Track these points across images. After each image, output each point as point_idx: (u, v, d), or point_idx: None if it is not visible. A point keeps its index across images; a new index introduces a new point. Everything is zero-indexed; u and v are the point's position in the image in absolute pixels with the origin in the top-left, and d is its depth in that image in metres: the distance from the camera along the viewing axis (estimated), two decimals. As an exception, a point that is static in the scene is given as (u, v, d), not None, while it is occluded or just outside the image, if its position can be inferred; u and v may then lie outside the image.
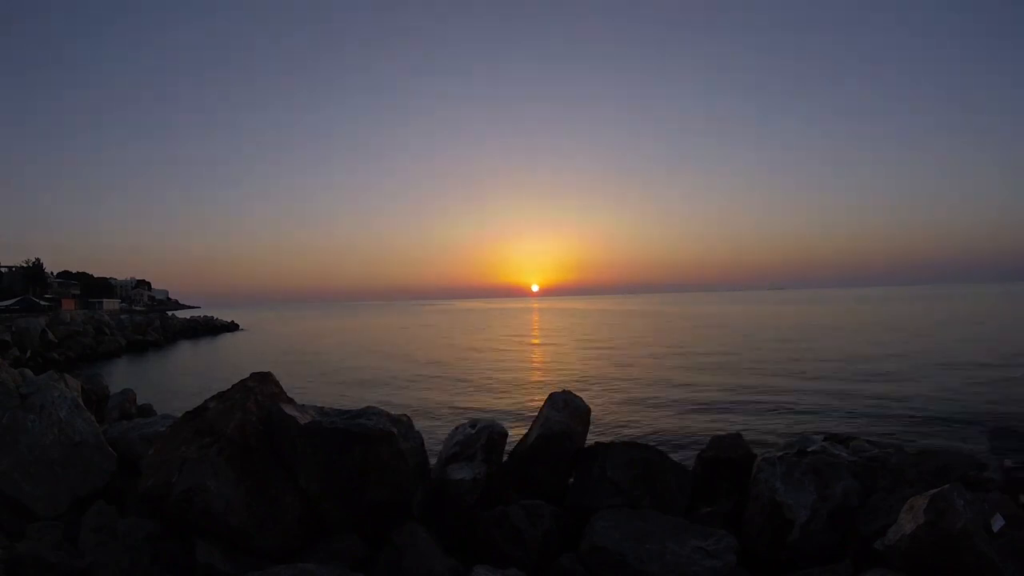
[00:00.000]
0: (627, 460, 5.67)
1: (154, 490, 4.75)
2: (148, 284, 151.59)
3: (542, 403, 6.39)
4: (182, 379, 28.22)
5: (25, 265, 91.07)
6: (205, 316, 77.94)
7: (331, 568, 4.09)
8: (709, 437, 6.53)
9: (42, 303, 64.87)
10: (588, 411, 6.30)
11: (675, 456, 6.10)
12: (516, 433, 6.49)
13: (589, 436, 6.25)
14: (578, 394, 6.42)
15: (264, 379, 5.51)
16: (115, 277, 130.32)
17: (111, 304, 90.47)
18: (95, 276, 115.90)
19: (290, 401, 5.51)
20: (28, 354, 32.98)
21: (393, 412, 5.88)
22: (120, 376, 29.07)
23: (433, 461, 6.08)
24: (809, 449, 5.35)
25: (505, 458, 6.16)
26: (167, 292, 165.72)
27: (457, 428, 6.30)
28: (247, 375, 5.49)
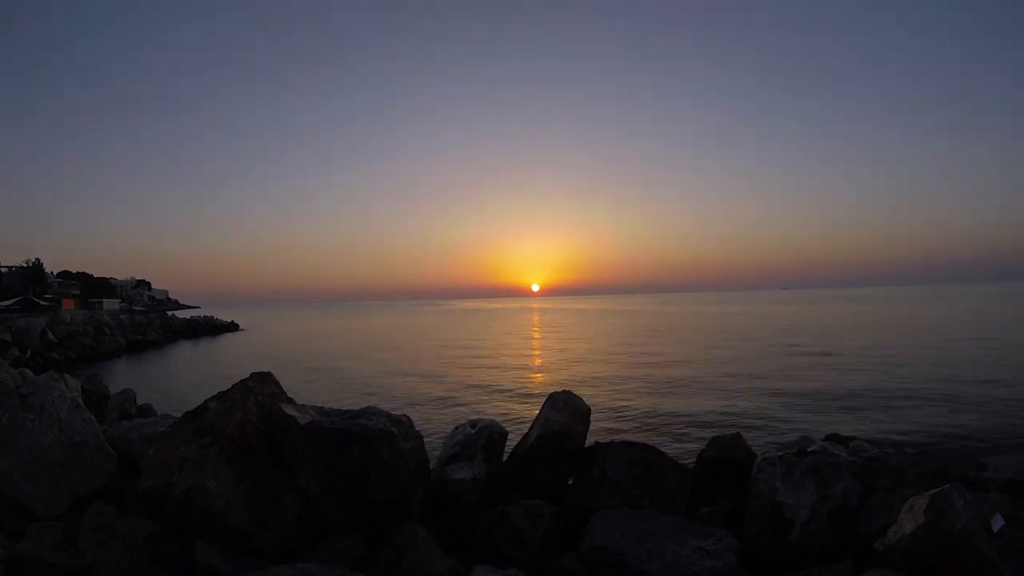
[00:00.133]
0: (627, 460, 5.67)
1: (154, 490, 4.75)
2: (148, 284, 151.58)
3: (542, 403, 6.39)
4: (182, 379, 28.22)
5: (25, 265, 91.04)
6: (205, 316, 77.94)
7: (331, 568, 4.09)
8: (709, 437, 6.53)
9: (42, 303, 64.87)
10: (588, 411, 6.30)
11: (675, 456, 6.09)
12: (516, 433, 6.48)
13: (589, 436, 6.25)
14: (578, 394, 6.42)
15: (264, 379, 5.51)
16: (115, 277, 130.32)
17: (111, 304, 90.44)
18: (95, 276, 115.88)
19: (290, 401, 5.51)
20: (28, 354, 32.99)
21: (393, 412, 5.88)
22: (120, 376, 29.07)
23: (433, 461, 6.08)
24: (809, 449, 5.36)
25: (505, 458, 6.16)
26: (167, 292, 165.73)
27: (457, 428, 6.30)
28: (247, 375, 5.49)
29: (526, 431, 6.38)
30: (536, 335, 56.36)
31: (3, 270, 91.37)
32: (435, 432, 11.63)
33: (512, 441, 6.26)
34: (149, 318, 63.88)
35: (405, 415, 6.06)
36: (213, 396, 5.30)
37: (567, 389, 6.47)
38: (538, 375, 26.85)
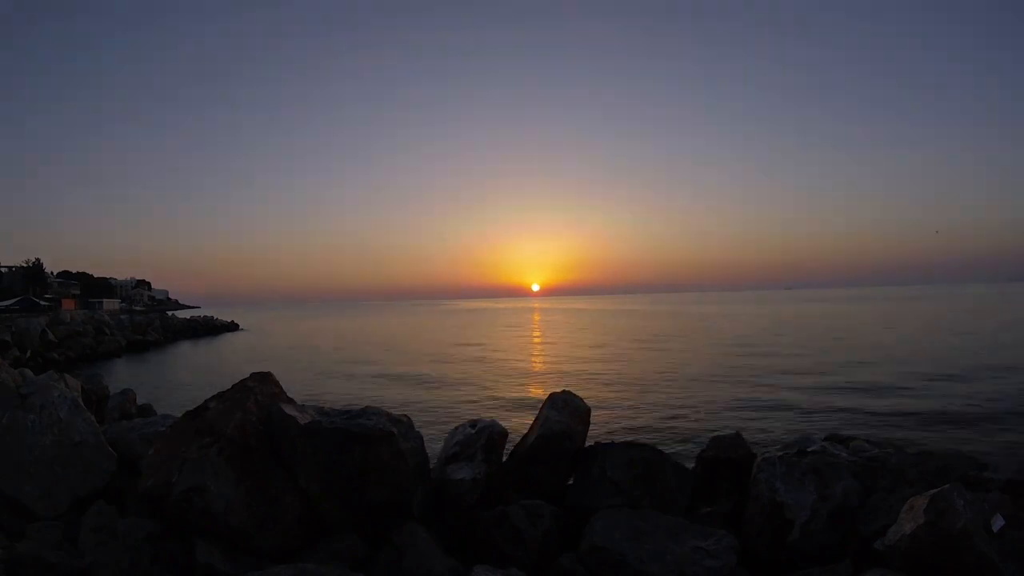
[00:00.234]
0: (627, 460, 5.67)
1: (154, 490, 4.75)
2: (148, 284, 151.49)
3: (542, 403, 6.39)
4: (182, 379, 28.23)
5: (25, 265, 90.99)
6: (205, 316, 77.96)
7: (331, 568, 4.09)
8: (709, 437, 6.52)
9: (42, 303, 64.83)
10: (588, 411, 6.29)
11: (675, 456, 6.09)
12: (516, 433, 6.48)
13: (589, 436, 6.24)
14: (578, 394, 6.42)
15: (264, 379, 5.50)
16: (115, 277, 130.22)
17: (111, 304, 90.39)
18: (95, 276, 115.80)
19: (290, 401, 5.51)
20: (28, 354, 32.99)
21: (393, 412, 5.87)
22: (120, 376, 29.08)
23: (433, 461, 6.08)
24: (809, 449, 5.35)
25: (505, 458, 6.15)
26: (167, 292, 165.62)
27: (457, 428, 6.30)
28: (247, 375, 5.48)
29: (526, 431, 6.38)
30: (536, 335, 56.34)
31: (3, 270, 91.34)
32: (435, 432, 11.63)
33: (512, 441, 6.25)
34: (149, 318, 63.89)
35: (405, 415, 6.06)
36: (213, 396, 5.30)
37: (567, 389, 6.46)
38: (538, 375, 26.86)
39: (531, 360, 33.88)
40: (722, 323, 62.51)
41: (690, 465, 6.25)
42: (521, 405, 18.63)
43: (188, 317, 75.11)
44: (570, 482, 5.97)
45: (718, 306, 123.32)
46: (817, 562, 4.63)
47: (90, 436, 5.63)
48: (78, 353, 38.19)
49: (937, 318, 58.52)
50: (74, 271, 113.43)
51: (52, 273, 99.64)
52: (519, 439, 6.32)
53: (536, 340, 49.72)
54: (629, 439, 6.11)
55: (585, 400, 6.39)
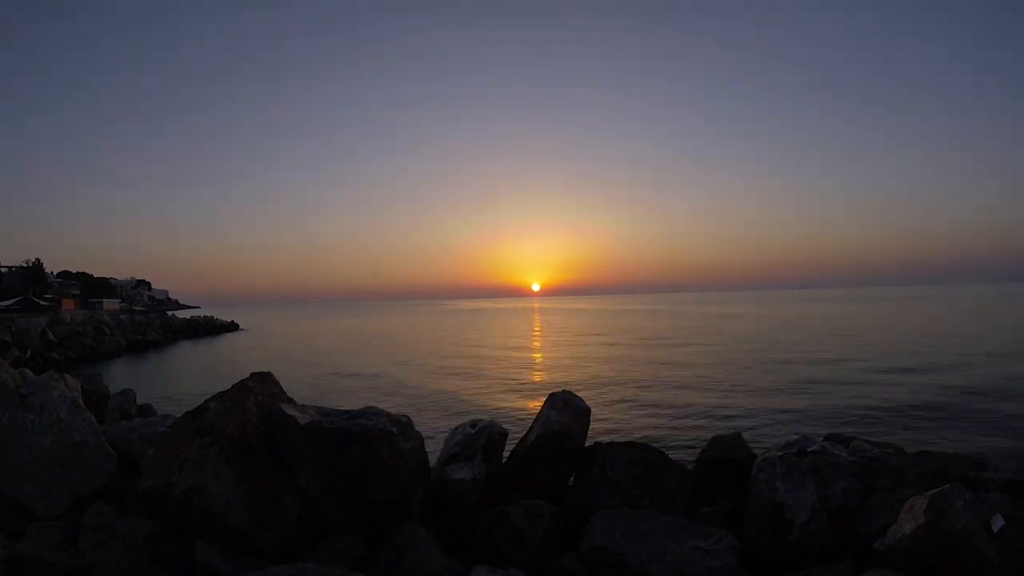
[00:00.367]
0: (627, 460, 5.67)
1: (154, 490, 4.75)
2: (148, 284, 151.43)
3: (542, 403, 6.39)
4: (182, 379, 28.22)
5: (25, 265, 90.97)
6: (205, 316, 77.95)
7: (331, 568, 4.09)
8: (709, 437, 6.53)
9: (42, 303, 64.82)
10: (588, 411, 6.29)
11: (675, 456, 6.09)
12: (516, 433, 6.49)
13: (589, 436, 6.25)
14: (578, 394, 6.42)
15: (264, 379, 5.50)
16: (115, 277, 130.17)
17: (111, 304, 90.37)
18: (95, 276, 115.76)
19: (290, 401, 5.51)
20: (28, 354, 32.99)
21: (393, 412, 5.88)
22: (120, 376, 29.07)
23: (433, 461, 6.08)
24: (809, 449, 5.35)
25: (505, 458, 6.16)
26: (167, 292, 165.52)
27: (457, 428, 6.30)
28: (247, 375, 5.48)
29: (526, 431, 6.38)
30: (536, 335, 56.35)
31: (3, 270, 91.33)
32: (435, 432, 11.63)
33: (512, 441, 6.26)
34: (149, 318, 63.88)
35: (405, 415, 6.06)
36: (213, 396, 5.30)
37: (567, 389, 6.47)
38: (538, 375, 26.86)
39: (531, 360, 33.89)
40: (722, 323, 62.52)
41: (690, 465, 6.25)
42: (521, 405, 18.64)
43: (188, 317, 75.10)
44: (570, 482, 5.97)
45: (718, 306, 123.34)
46: (817, 562, 4.63)
47: (90, 436, 5.63)
48: (78, 353, 38.19)
49: (937, 318, 58.52)
50: (74, 271, 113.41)
51: (52, 273, 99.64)
52: (519, 439, 6.32)
53: (536, 340, 49.73)
54: (629, 439, 6.11)
55: (585, 400, 6.39)
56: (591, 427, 6.31)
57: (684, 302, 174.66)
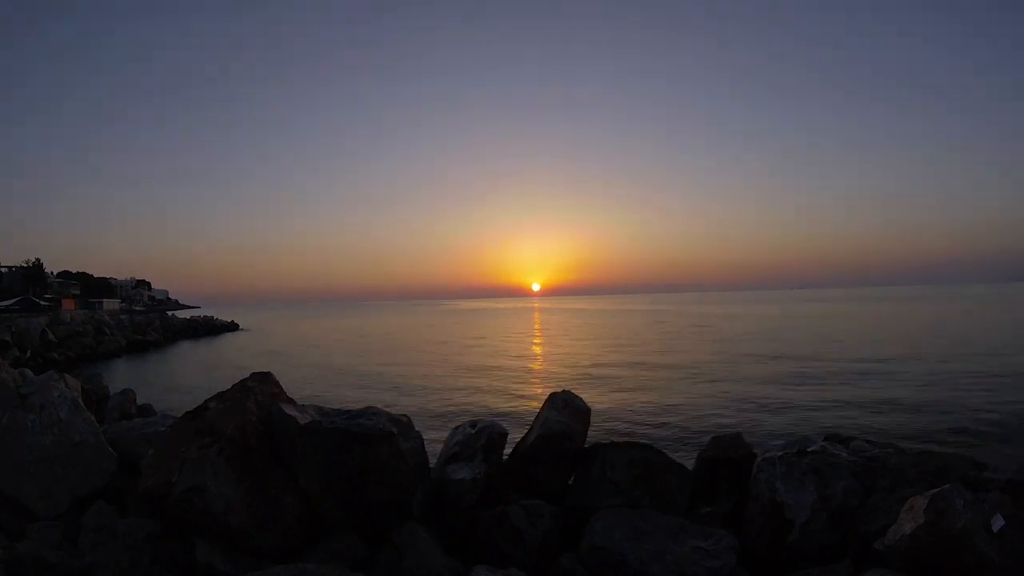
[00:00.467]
0: (627, 460, 5.67)
1: (154, 490, 4.75)
2: (148, 284, 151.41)
3: (542, 403, 6.39)
4: (182, 379, 28.23)
5: (25, 265, 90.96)
6: (205, 316, 77.96)
7: (331, 568, 4.09)
8: (709, 437, 6.52)
9: (42, 303, 64.80)
10: (588, 411, 6.29)
11: (675, 456, 6.09)
12: (516, 433, 6.49)
13: (589, 436, 6.24)
14: (578, 394, 6.42)
15: (264, 379, 5.50)
16: (115, 277, 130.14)
17: (111, 304, 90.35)
18: (95, 276, 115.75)
19: (290, 401, 5.51)
20: (28, 354, 33.00)
21: (393, 412, 5.87)
22: (120, 376, 29.08)
23: (433, 461, 6.08)
24: (809, 449, 5.34)
25: (505, 458, 6.15)
26: (167, 292, 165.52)
27: (457, 428, 6.30)
28: (247, 375, 5.48)
29: (526, 431, 6.38)
30: (537, 335, 56.35)
31: (3, 270, 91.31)
32: (435, 432, 11.63)
33: (512, 441, 6.26)
34: (149, 318, 63.89)
35: (405, 415, 6.06)
36: (213, 396, 5.30)
37: (567, 389, 6.47)
38: (538, 375, 26.86)
39: (531, 360, 33.88)
40: (722, 323, 62.51)
41: (690, 465, 6.25)
42: (521, 405, 18.64)
43: (188, 317, 75.11)
44: (570, 482, 5.97)
45: (718, 306, 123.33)
46: (817, 562, 4.63)
47: (90, 436, 5.63)
48: (78, 353, 38.20)
49: (937, 318, 58.53)
50: (74, 271, 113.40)
51: (52, 273, 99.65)
52: (519, 439, 6.32)
53: (536, 340, 49.73)
54: (629, 439, 6.11)
55: (585, 400, 6.39)
56: (591, 427, 6.31)
57: (684, 302, 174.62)
